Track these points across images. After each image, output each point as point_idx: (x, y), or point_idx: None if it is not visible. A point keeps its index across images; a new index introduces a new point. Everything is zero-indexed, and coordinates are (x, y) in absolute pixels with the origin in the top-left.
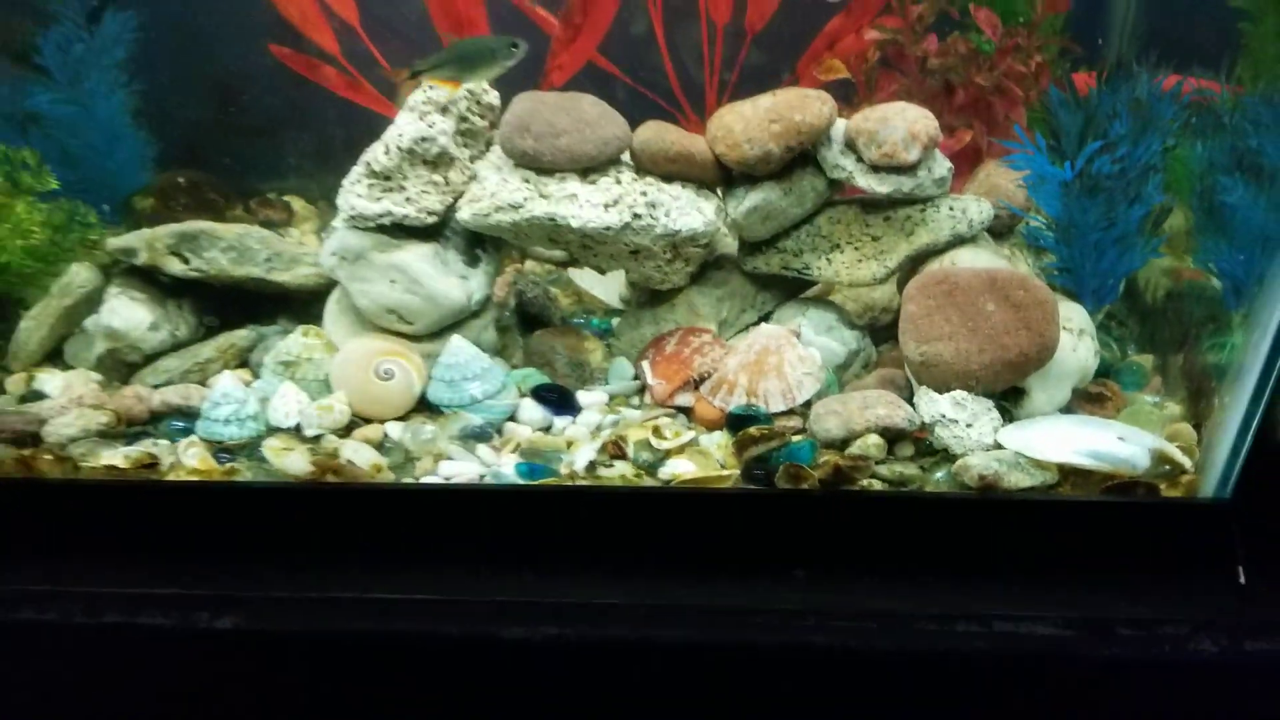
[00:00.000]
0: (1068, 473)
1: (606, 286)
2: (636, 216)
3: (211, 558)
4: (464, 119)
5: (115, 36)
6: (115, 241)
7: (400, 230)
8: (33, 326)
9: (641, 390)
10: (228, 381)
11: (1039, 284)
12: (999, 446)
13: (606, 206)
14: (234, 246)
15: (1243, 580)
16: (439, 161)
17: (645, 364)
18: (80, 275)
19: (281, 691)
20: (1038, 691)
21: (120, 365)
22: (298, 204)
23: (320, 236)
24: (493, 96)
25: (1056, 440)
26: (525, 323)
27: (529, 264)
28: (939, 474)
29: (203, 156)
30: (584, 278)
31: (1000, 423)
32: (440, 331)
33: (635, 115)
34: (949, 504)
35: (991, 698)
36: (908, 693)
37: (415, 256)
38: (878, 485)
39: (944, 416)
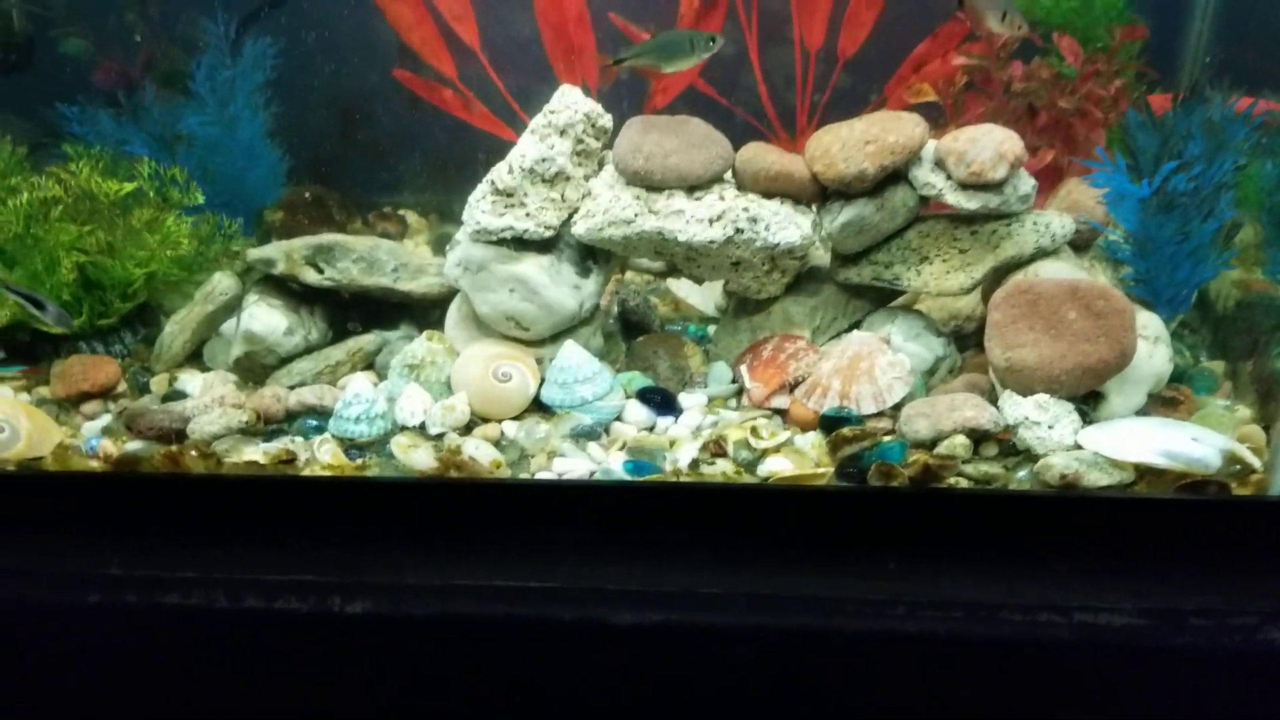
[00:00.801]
0: (1143, 472)
1: (703, 295)
2: (739, 231)
3: (344, 547)
4: (580, 140)
5: (255, 63)
6: (255, 252)
7: (519, 243)
8: (176, 330)
9: (739, 393)
10: (359, 383)
11: (1118, 294)
12: (1079, 447)
13: (711, 221)
14: (364, 258)
15: None
16: (557, 180)
17: (743, 368)
18: (222, 283)
19: (408, 673)
20: (1114, 678)
21: (256, 367)
22: (411, 217)
23: (431, 247)
24: (606, 120)
25: (1133, 441)
26: (627, 329)
27: (629, 274)
28: (1021, 473)
29: (327, 173)
30: (681, 287)
31: (1080, 425)
32: (554, 337)
33: (731, 135)
34: (1031, 501)
35: (1071, 684)
36: (992, 679)
37: (533, 267)
38: (964, 483)
39: (1027, 419)
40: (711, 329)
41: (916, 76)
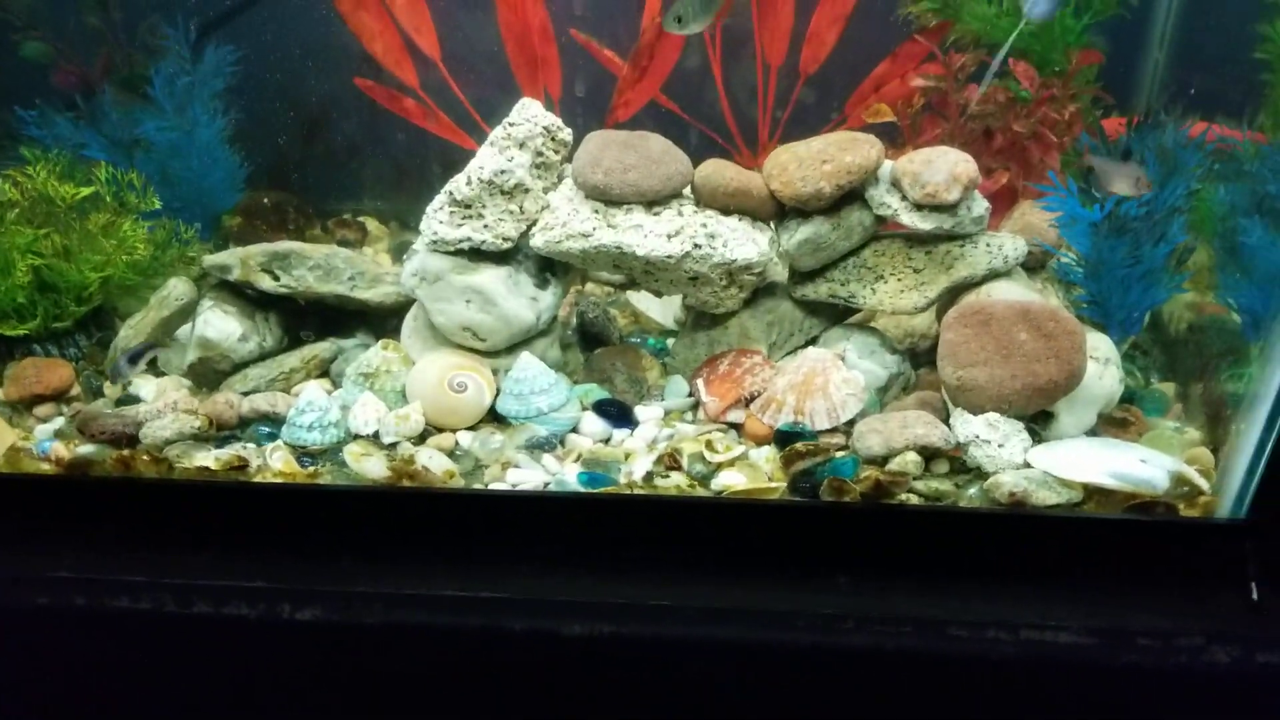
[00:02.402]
0: (1092, 492)
1: (662, 308)
2: (697, 246)
3: (295, 554)
4: (539, 153)
5: (215, 69)
6: (211, 259)
7: (477, 254)
8: (130, 335)
9: (695, 406)
10: (313, 391)
11: (1068, 316)
12: (1028, 466)
13: (669, 236)
14: (320, 265)
15: (1255, 596)
16: (515, 192)
17: (699, 382)
18: (178, 289)
19: (357, 680)
20: (1061, 696)
21: (210, 373)
22: (371, 224)
23: (391, 254)
24: (566, 134)
25: (1082, 461)
26: (586, 341)
27: (589, 286)
28: (972, 490)
29: (287, 178)
30: (641, 300)
31: (1030, 444)
32: (510, 348)
33: (693, 151)
34: (981, 518)
35: (1017, 700)
36: (940, 694)
37: (490, 279)
38: (915, 500)
39: (978, 437)
40: (670, 342)
41: (876, 96)
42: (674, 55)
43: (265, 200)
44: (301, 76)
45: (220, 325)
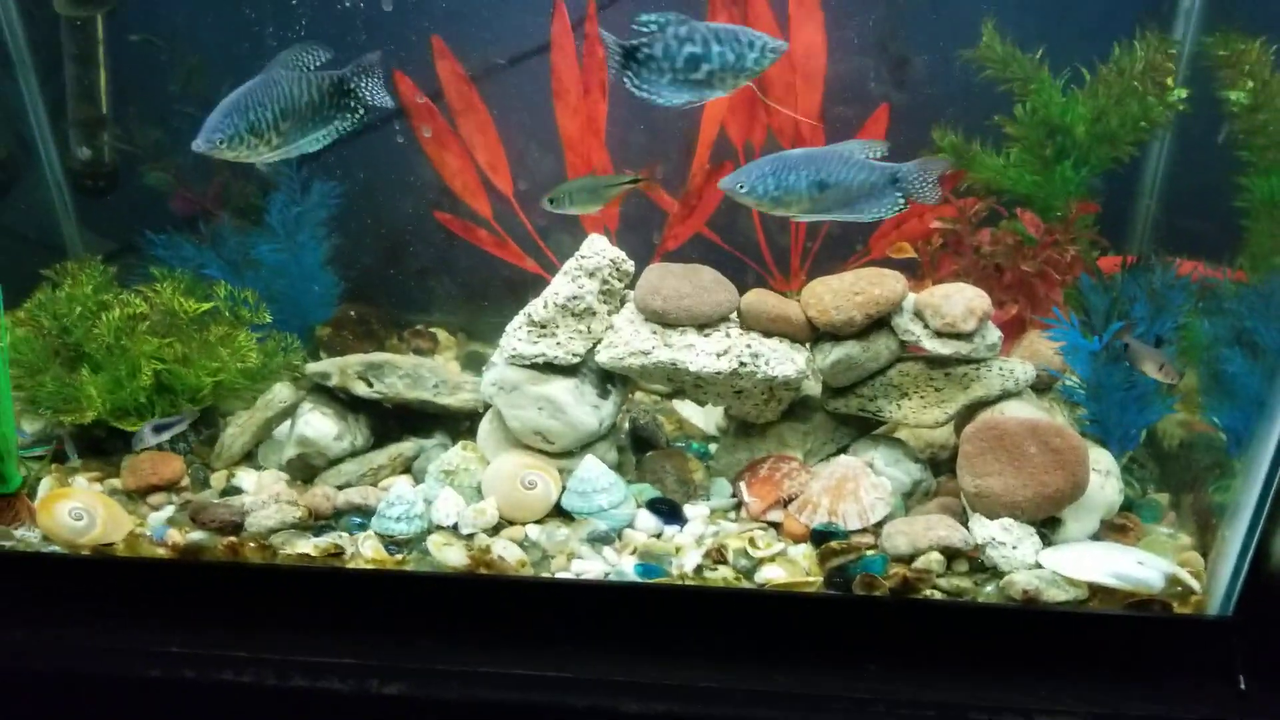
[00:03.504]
0: (1096, 590)
1: (705, 416)
2: (742, 364)
3: (382, 634)
4: (606, 281)
5: (321, 199)
6: (314, 366)
7: (549, 367)
8: (237, 433)
9: (738, 506)
10: (402, 486)
11: (1073, 433)
12: (1039, 566)
13: (718, 355)
14: (409, 374)
15: (1243, 686)
16: (584, 315)
17: (742, 484)
18: (282, 393)
19: None
20: None
21: (306, 468)
22: (441, 334)
23: (460, 362)
24: (629, 265)
25: (1087, 562)
26: (637, 444)
27: (638, 394)
28: (989, 587)
29: (370, 295)
30: (685, 408)
31: (1041, 546)
32: (574, 451)
33: (730, 275)
34: (997, 613)
35: None
36: None
37: (561, 389)
38: (938, 595)
39: (994, 539)
40: (712, 447)
41: (897, 234)
42: (718, 196)
43: (352, 313)
44: (388, 207)
45: (319, 425)
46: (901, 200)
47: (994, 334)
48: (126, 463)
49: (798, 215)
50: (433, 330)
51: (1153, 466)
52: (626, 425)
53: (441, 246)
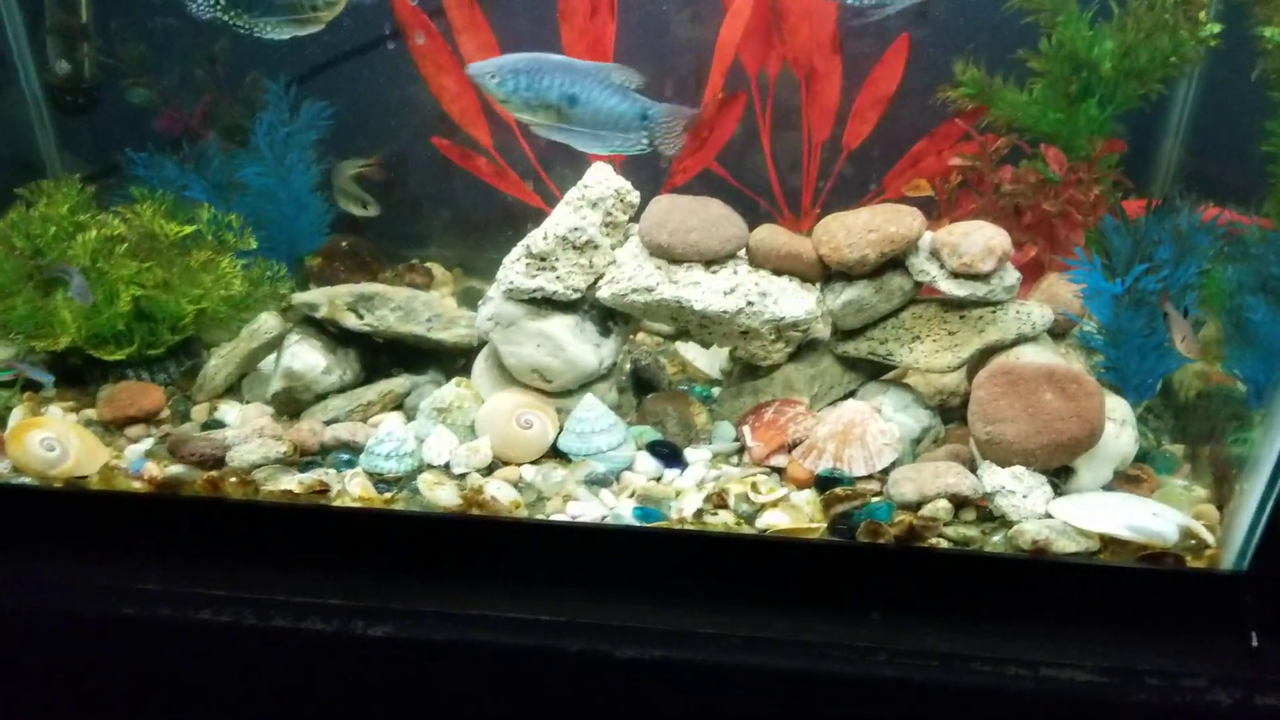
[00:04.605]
0: (1108, 542)
1: (709, 359)
2: (750, 303)
3: (369, 575)
4: (609, 213)
5: (310, 122)
6: (301, 296)
7: (548, 303)
8: (221, 364)
9: (741, 451)
10: (392, 422)
11: (1090, 379)
12: (1049, 516)
13: (725, 293)
14: (402, 307)
15: (1255, 643)
16: (586, 248)
17: (746, 428)
18: (268, 323)
19: (424, 694)
20: None
21: (292, 403)
22: (437, 270)
23: (456, 299)
24: (634, 196)
25: (1099, 513)
26: (638, 386)
27: (640, 335)
28: (997, 537)
29: (364, 226)
30: (688, 350)
31: (1051, 496)
32: (573, 391)
33: (740, 214)
34: (1005, 563)
35: None
36: None
37: (560, 325)
38: (944, 544)
39: (1004, 487)
40: (716, 390)
41: (913, 172)
42: (730, 129)
43: (344, 244)
44: (383, 133)
45: (306, 358)
46: (645, 141)
47: (1012, 275)
48: (105, 393)
49: (538, 126)
50: (429, 265)
51: (1168, 418)
52: (628, 367)
53: (438, 176)
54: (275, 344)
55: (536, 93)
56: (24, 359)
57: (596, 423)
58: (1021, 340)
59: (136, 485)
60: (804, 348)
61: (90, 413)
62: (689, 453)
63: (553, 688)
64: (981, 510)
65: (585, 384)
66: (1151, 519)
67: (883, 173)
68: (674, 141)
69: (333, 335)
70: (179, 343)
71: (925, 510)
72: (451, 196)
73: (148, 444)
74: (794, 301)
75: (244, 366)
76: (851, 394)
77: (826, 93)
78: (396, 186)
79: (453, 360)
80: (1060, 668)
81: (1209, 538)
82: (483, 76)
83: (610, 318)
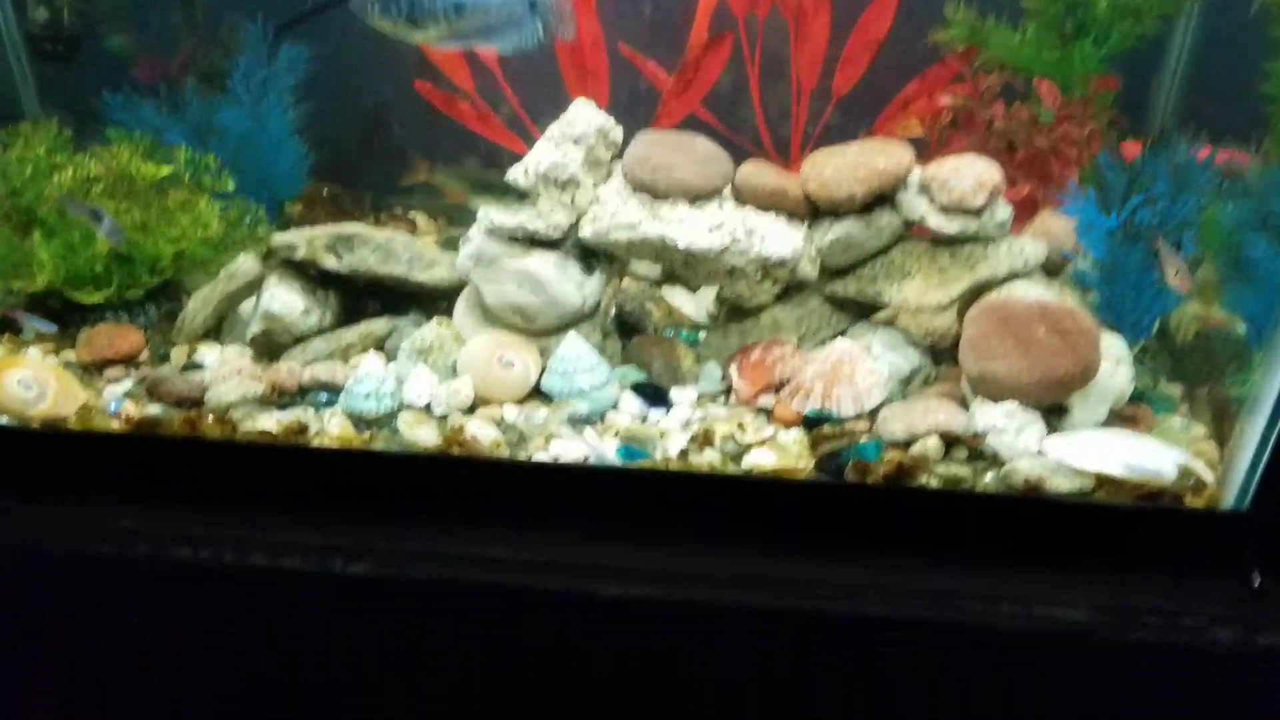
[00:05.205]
0: (1103, 481)
1: (695, 304)
2: (736, 240)
3: (348, 514)
4: (592, 150)
5: (289, 66)
6: (280, 237)
7: (530, 241)
8: (199, 306)
9: (727, 392)
10: (372, 362)
11: (1084, 315)
12: (1043, 454)
13: (710, 230)
14: (381, 248)
15: (1256, 583)
16: (568, 185)
17: (732, 368)
18: (246, 264)
19: (403, 633)
20: (1070, 667)
21: (272, 345)
22: (421, 219)
23: (440, 248)
24: (617, 133)
25: (1095, 451)
26: (624, 330)
27: (627, 281)
28: (988, 476)
29: (345, 172)
30: (675, 296)
31: (1045, 433)
32: (556, 330)
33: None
34: (997, 502)
35: (1028, 670)
36: (955, 662)
37: (541, 263)
38: (934, 483)
39: (996, 425)
40: (702, 335)
41: (904, 114)
42: (716, 72)
43: (325, 191)
44: (365, 78)
45: (285, 300)
46: (540, 29)
47: (1005, 210)
48: (84, 335)
49: (436, 41)
50: (411, 214)
51: (1165, 358)
52: (613, 312)
53: (421, 123)
54: (254, 286)
55: (421, 9)
56: (16, 307)
57: (579, 362)
58: (1014, 276)
59: (115, 425)
60: (792, 288)
61: (69, 355)
62: (674, 393)
63: (535, 628)
64: (973, 450)
65: (568, 324)
66: (1149, 457)
67: (873, 119)
68: (568, 23)
69: (312, 278)
70: (158, 285)
71: (915, 449)
72: (436, 144)
73: (126, 385)
74: (781, 239)
75: (223, 309)
76: (840, 335)
77: (815, 39)
78: (379, 133)
79: (434, 303)
80: (1054, 606)
81: (1208, 476)
82: (365, 10)
83: (593, 256)
